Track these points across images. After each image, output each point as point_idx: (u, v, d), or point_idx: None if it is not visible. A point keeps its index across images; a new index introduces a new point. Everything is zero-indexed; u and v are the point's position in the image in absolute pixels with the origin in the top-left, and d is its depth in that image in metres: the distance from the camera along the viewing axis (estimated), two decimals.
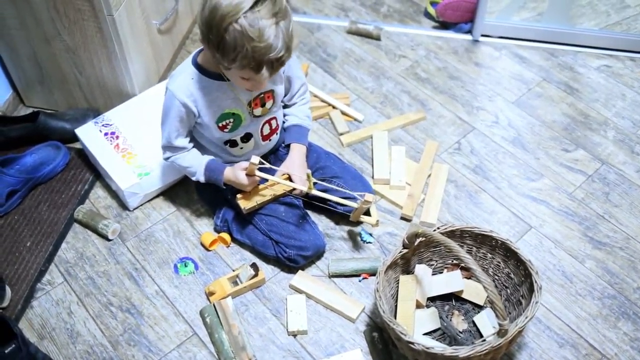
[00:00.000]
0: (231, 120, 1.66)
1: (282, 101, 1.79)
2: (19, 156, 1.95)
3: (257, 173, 1.67)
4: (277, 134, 1.80)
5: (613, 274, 1.76)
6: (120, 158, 1.90)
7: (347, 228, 1.87)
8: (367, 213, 1.83)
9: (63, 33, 1.93)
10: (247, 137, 1.72)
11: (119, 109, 2.02)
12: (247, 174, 1.67)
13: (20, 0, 1.86)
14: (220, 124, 1.65)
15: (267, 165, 1.67)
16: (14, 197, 1.90)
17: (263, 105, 1.68)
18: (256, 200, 1.72)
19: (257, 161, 1.62)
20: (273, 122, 1.76)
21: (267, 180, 1.71)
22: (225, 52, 1.40)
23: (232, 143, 1.72)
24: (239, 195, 1.72)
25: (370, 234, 1.84)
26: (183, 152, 1.71)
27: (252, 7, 1.35)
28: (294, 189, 1.73)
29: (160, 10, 2.15)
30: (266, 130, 1.75)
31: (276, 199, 1.76)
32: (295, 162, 1.77)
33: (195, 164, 1.72)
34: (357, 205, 1.73)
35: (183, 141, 1.69)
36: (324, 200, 1.77)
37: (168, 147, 1.71)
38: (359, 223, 1.87)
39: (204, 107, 1.61)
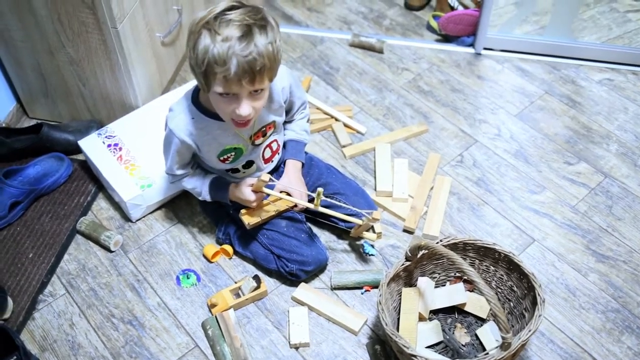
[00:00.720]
0: (232, 154, 1.67)
1: None
2: (22, 167, 1.96)
3: (264, 189, 1.67)
4: (278, 154, 1.80)
5: (617, 288, 1.76)
6: (123, 170, 1.90)
7: (349, 241, 1.87)
8: (370, 229, 1.84)
9: (67, 45, 1.94)
10: (248, 164, 1.73)
11: (122, 120, 2.03)
12: (253, 190, 1.67)
13: (25, 12, 1.87)
14: (221, 158, 1.66)
15: (276, 182, 1.68)
16: (16, 209, 1.90)
17: (264, 135, 1.69)
18: (260, 216, 1.72)
19: (267, 178, 1.60)
20: (274, 145, 1.76)
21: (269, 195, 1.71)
22: (197, 59, 1.38)
23: (234, 170, 1.73)
24: (242, 211, 1.72)
25: (373, 247, 1.83)
26: (186, 176, 1.73)
27: (222, 12, 1.37)
28: (296, 204, 1.73)
29: (164, 23, 2.16)
30: (267, 154, 1.75)
31: (279, 215, 1.76)
32: (292, 178, 1.76)
33: (199, 185, 1.73)
34: (361, 222, 1.72)
35: (184, 169, 1.71)
36: (326, 216, 1.77)
37: (171, 174, 1.72)
38: (362, 235, 1.87)
39: (205, 144, 1.62)
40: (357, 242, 1.86)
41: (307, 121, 1.87)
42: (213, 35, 1.35)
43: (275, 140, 1.75)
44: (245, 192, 1.67)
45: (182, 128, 1.58)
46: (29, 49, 1.98)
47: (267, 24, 1.40)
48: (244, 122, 1.50)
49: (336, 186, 1.82)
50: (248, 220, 1.71)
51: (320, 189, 1.63)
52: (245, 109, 1.44)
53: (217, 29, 1.35)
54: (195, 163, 1.75)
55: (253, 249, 1.78)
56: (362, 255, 1.83)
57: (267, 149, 1.74)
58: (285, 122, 1.81)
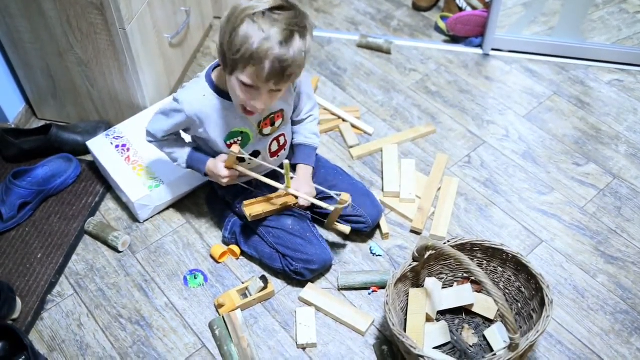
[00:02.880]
0: (239, 138, 1.66)
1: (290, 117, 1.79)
2: (31, 168, 1.96)
3: (238, 168, 1.66)
4: (285, 150, 1.79)
5: (625, 289, 1.75)
6: (131, 170, 1.91)
7: (356, 241, 1.86)
8: (372, 232, 1.83)
9: (76, 46, 1.95)
10: (254, 154, 1.71)
11: (130, 121, 2.04)
12: (226, 167, 1.65)
13: (35, 14, 1.88)
14: (227, 142, 1.66)
15: (246, 155, 1.64)
16: (25, 209, 1.91)
17: (273, 124, 1.69)
18: (263, 209, 1.72)
19: (237, 150, 1.58)
20: (281, 139, 1.75)
21: (249, 177, 1.69)
22: (232, 44, 1.40)
23: (240, 159, 1.72)
24: (245, 202, 1.72)
25: (381, 247, 1.83)
26: (168, 140, 1.72)
27: (270, 9, 1.38)
28: (297, 202, 1.73)
29: (172, 24, 2.16)
30: (274, 147, 1.75)
31: (282, 210, 1.75)
32: (302, 183, 1.76)
33: (180, 151, 1.72)
34: (332, 208, 1.70)
35: (168, 136, 1.70)
36: (324, 215, 1.78)
37: (152, 135, 1.70)
38: (369, 236, 1.86)
39: (212, 124, 1.61)
40: (365, 243, 1.85)
41: (317, 124, 1.86)
42: (256, 28, 1.37)
43: (283, 135, 1.75)
44: (219, 166, 1.66)
45: (193, 103, 1.58)
46: (38, 50, 2.00)
47: (307, 31, 1.43)
48: (252, 112, 1.53)
49: (342, 187, 1.82)
50: (250, 211, 1.70)
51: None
52: (261, 104, 1.48)
53: (261, 24, 1.37)
54: (200, 148, 1.74)
55: (259, 247, 1.78)
56: (369, 256, 1.83)
57: (275, 142, 1.73)
58: (294, 123, 1.81)
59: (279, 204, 1.74)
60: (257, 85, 1.44)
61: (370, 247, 1.83)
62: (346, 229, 1.79)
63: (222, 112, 1.60)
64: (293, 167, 1.80)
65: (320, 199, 1.74)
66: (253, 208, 1.71)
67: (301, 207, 1.75)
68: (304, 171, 1.78)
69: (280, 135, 1.73)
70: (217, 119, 1.61)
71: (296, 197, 1.71)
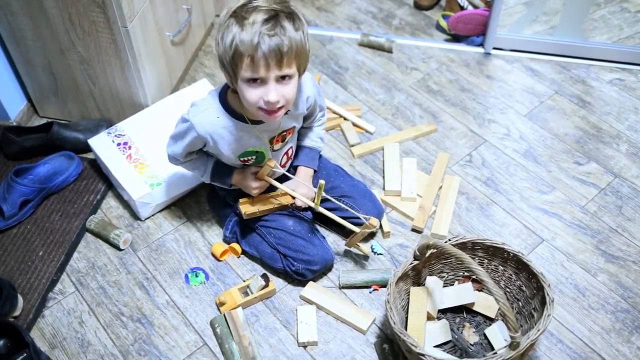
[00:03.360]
0: (254, 157, 1.67)
1: None
2: (32, 166, 1.97)
3: (267, 179, 1.67)
4: (291, 159, 1.81)
5: (626, 288, 1.75)
6: (133, 168, 1.91)
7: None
8: (369, 237, 1.83)
9: (77, 44, 1.95)
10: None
11: (131, 119, 2.04)
12: (257, 178, 1.67)
13: (37, 11, 1.88)
14: (242, 159, 1.67)
15: (280, 169, 1.67)
16: (27, 207, 1.91)
17: (284, 140, 1.69)
18: (258, 208, 1.72)
19: (273, 164, 1.60)
20: (290, 152, 1.77)
21: (275, 188, 1.71)
22: (225, 49, 1.41)
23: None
24: (241, 200, 1.72)
25: (382, 246, 1.83)
26: (190, 160, 1.73)
27: (249, 1, 1.40)
28: (294, 203, 1.74)
29: (173, 22, 2.16)
30: (283, 160, 1.76)
31: (278, 210, 1.76)
32: (300, 184, 1.76)
33: (201, 165, 1.73)
34: (359, 230, 1.71)
35: (189, 157, 1.71)
36: (327, 219, 1.77)
37: (173, 158, 1.71)
38: (370, 235, 1.86)
39: (226, 145, 1.61)
40: (365, 242, 1.86)
41: (323, 127, 1.86)
42: (240, 20, 1.38)
43: (291, 147, 1.77)
44: (249, 179, 1.68)
45: (206, 126, 1.57)
46: (39, 48, 2.00)
47: (293, 12, 1.43)
48: (274, 110, 1.47)
49: (343, 189, 1.82)
50: (245, 209, 1.71)
51: (322, 182, 1.63)
52: (273, 94, 1.42)
53: (244, 15, 1.38)
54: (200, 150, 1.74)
55: (259, 247, 1.78)
56: (370, 254, 1.83)
57: (284, 155, 1.75)
58: (302, 128, 1.81)
59: (275, 204, 1.74)
60: (260, 74, 1.40)
61: (372, 246, 1.83)
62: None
63: (236, 134, 1.60)
64: (294, 168, 1.81)
65: (344, 218, 1.74)
66: (248, 207, 1.72)
67: (298, 207, 1.75)
68: (305, 173, 1.79)
69: (289, 149, 1.75)
70: (231, 141, 1.61)
71: (293, 198, 1.72)
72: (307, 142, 1.81)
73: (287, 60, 1.40)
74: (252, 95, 1.44)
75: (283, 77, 1.44)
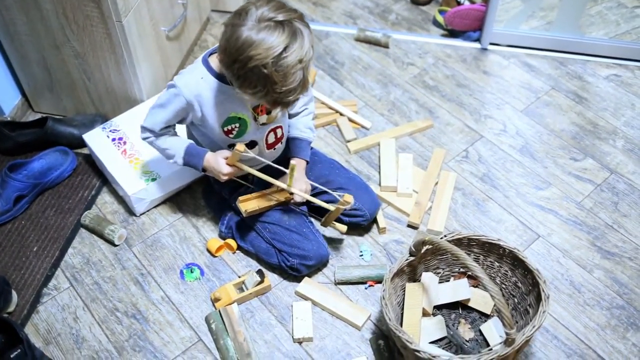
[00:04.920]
0: (237, 125, 1.65)
1: None
2: (27, 161, 1.96)
3: (239, 164, 1.64)
4: (282, 143, 1.78)
5: (622, 284, 1.75)
6: (128, 164, 1.90)
7: (353, 235, 1.86)
8: (340, 221, 1.81)
9: (72, 39, 1.94)
10: (251, 145, 1.70)
11: (126, 114, 2.03)
12: (227, 163, 1.64)
13: (31, 6, 1.87)
14: (225, 129, 1.64)
15: (251, 154, 1.62)
16: (21, 202, 1.90)
17: (269, 113, 1.67)
18: (258, 204, 1.72)
19: (243, 149, 1.55)
20: (279, 131, 1.74)
21: (251, 175, 1.69)
22: (244, 84, 1.42)
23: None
24: (240, 198, 1.71)
25: (371, 253, 1.82)
26: (163, 135, 1.69)
27: (281, 52, 1.35)
28: (292, 198, 1.73)
29: (168, 17, 2.15)
30: (271, 139, 1.74)
31: (278, 206, 1.75)
32: (296, 178, 1.75)
33: (176, 146, 1.69)
34: (333, 208, 1.70)
35: (167, 129, 1.68)
36: (319, 210, 1.78)
37: (150, 130, 1.67)
38: (366, 230, 1.86)
39: (210, 108, 1.60)
40: (360, 238, 1.85)
41: (313, 118, 1.85)
42: (263, 47, 1.35)
43: (280, 127, 1.74)
44: (220, 162, 1.64)
45: (191, 87, 1.57)
46: (34, 42, 1.99)
47: (302, 15, 1.43)
48: None
49: (339, 181, 1.81)
50: (245, 207, 1.69)
51: (293, 163, 1.63)
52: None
53: (270, 29, 1.36)
54: (194, 140, 1.73)
55: (255, 242, 1.77)
56: (344, 229, 1.80)
57: (272, 133, 1.72)
58: (290, 117, 1.81)
59: (274, 200, 1.73)
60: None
61: (361, 251, 1.81)
62: (342, 227, 1.78)
63: (219, 96, 1.59)
64: (287, 161, 1.79)
65: (317, 195, 1.74)
66: (248, 204, 1.71)
67: (296, 203, 1.75)
68: (298, 165, 1.78)
69: (277, 127, 1.73)
70: (215, 103, 1.59)
71: (291, 194, 1.71)
72: (297, 133, 1.80)
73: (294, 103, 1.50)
74: (254, 102, 1.53)
75: None
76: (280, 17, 1.36)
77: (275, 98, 1.42)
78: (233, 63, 1.40)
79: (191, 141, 1.72)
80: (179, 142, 1.70)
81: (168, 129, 1.69)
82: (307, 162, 1.80)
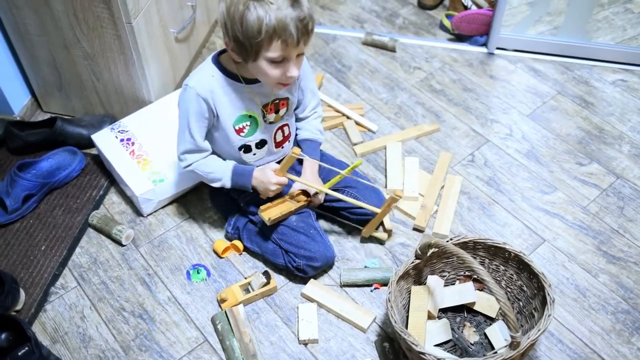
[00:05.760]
0: (248, 123, 1.66)
1: (294, 112, 1.80)
2: (35, 161, 1.97)
3: (287, 175, 1.67)
4: (289, 141, 1.80)
5: (627, 289, 1.75)
6: (136, 164, 1.91)
7: (359, 238, 1.87)
8: (380, 226, 1.84)
9: (82, 40, 1.95)
10: (261, 144, 1.72)
11: (135, 115, 2.04)
12: (277, 173, 1.66)
13: (42, 6, 1.89)
14: (237, 127, 1.66)
15: (305, 156, 1.65)
16: (29, 202, 1.91)
17: (277, 112, 1.69)
18: (280, 211, 1.72)
19: (298, 152, 1.58)
20: (286, 129, 1.76)
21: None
22: (249, 32, 1.43)
23: (247, 149, 1.72)
24: (262, 207, 1.71)
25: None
26: (205, 154, 1.70)
27: None
28: (311, 201, 1.75)
29: (178, 19, 2.17)
30: (279, 137, 1.76)
31: (298, 210, 1.76)
32: (309, 177, 1.77)
33: (220, 168, 1.70)
34: (378, 210, 1.72)
35: (206, 143, 1.69)
36: (338, 213, 1.78)
37: (191, 151, 1.68)
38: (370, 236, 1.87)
39: (223, 106, 1.62)
40: (367, 238, 1.86)
41: (321, 122, 1.88)
42: (265, 5, 1.40)
43: (287, 125, 1.76)
44: (269, 174, 1.66)
45: (204, 84, 1.59)
46: (44, 43, 2.00)
47: None
48: (288, 83, 1.57)
49: (347, 180, 1.82)
50: (268, 215, 1.69)
51: (359, 160, 1.66)
52: (295, 71, 1.52)
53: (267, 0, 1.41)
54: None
55: (261, 243, 1.78)
56: (372, 252, 1.83)
57: (279, 131, 1.75)
58: (299, 120, 1.83)
59: (295, 204, 1.74)
60: (287, 55, 1.48)
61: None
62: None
63: (230, 94, 1.62)
64: (299, 162, 1.81)
65: (346, 209, 1.78)
66: (271, 212, 1.71)
67: (315, 205, 1.76)
68: (310, 165, 1.79)
69: (284, 125, 1.75)
70: (227, 101, 1.62)
71: (308, 196, 1.74)
72: (308, 134, 1.83)
73: (311, 37, 1.50)
74: (275, 72, 1.51)
75: (299, 54, 1.51)
76: None
77: (283, 21, 1.41)
78: (232, 23, 1.45)
79: (234, 162, 1.72)
80: (222, 164, 1.71)
81: (207, 144, 1.69)
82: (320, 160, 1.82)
